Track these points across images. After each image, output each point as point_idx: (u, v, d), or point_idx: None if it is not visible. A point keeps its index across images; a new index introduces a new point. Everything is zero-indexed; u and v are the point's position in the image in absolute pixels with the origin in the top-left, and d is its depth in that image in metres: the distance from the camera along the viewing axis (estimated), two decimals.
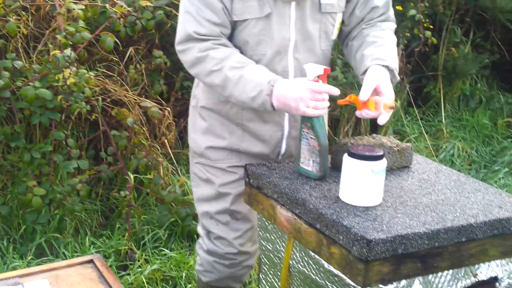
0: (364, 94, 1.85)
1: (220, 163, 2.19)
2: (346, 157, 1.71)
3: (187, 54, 1.99)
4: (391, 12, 2.18)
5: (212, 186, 2.22)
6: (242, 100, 1.93)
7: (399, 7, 4.67)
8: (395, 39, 2.14)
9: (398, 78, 2.03)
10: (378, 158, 1.67)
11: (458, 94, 5.39)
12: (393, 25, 2.19)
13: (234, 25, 2.00)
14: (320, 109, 1.84)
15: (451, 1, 5.16)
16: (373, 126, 4.87)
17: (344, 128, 4.71)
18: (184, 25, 1.98)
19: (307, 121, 1.87)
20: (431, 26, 4.88)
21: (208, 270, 2.31)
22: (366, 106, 1.85)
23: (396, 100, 4.88)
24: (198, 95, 2.22)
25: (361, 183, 1.68)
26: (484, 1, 5.20)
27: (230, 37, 2.02)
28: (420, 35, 4.65)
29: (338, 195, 1.75)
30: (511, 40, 5.69)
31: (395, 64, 2.01)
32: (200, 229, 2.34)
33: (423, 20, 4.63)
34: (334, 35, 2.12)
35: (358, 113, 1.89)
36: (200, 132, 2.22)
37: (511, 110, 5.40)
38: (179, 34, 2.00)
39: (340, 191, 1.75)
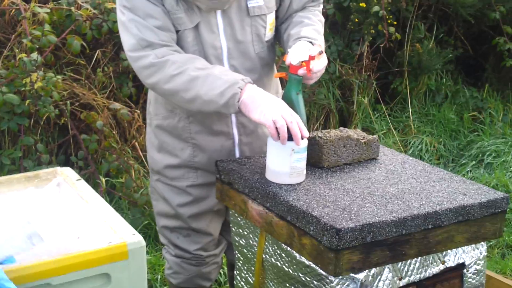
0: (293, 56, 1.86)
1: (177, 182, 2.18)
2: (269, 139, 1.82)
3: (142, 61, 1.91)
4: None
5: (170, 205, 2.23)
6: (209, 98, 1.86)
7: (362, 4, 4.73)
8: (322, 18, 2.19)
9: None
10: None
11: (424, 90, 5.44)
12: (321, 5, 2.23)
13: None
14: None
15: None
16: (342, 123, 4.93)
17: (314, 126, 4.75)
18: (133, 32, 1.91)
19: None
20: (395, 23, 4.93)
21: (176, 271, 2.32)
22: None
23: (363, 97, 4.93)
24: (151, 112, 2.21)
25: (284, 162, 1.80)
26: None
27: None
28: (385, 31, 4.71)
29: (304, 185, 1.79)
30: (474, 34, 5.77)
31: (320, 42, 2.04)
32: (162, 239, 2.35)
33: (387, 17, 4.69)
34: (267, 36, 2.12)
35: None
36: (156, 150, 2.21)
37: (476, 104, 5.47)
38: (129, 41, 1.93)
39: (266, 171, 1.86)
